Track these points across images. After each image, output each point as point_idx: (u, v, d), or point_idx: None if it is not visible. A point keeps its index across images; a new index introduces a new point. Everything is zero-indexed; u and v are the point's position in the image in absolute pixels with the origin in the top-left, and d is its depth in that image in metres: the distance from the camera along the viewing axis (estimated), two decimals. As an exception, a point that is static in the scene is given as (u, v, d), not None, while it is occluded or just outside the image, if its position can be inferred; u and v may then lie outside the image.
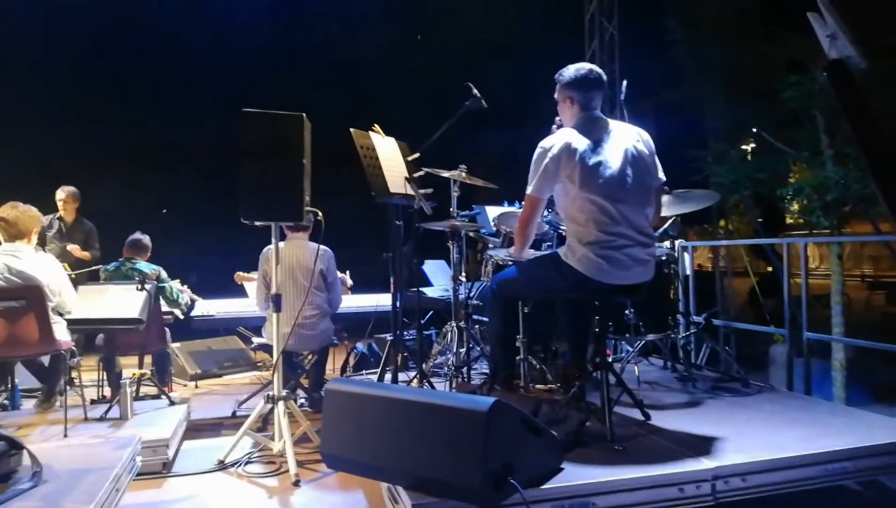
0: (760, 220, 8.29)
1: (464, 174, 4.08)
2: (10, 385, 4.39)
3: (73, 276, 4.74)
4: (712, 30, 7.22)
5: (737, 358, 4.61)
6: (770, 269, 8.84)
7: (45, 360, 4.30)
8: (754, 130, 7.83)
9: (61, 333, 3.96)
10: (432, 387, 3.91)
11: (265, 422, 3.92)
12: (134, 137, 9.58)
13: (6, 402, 4.35)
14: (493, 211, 5.24)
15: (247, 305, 5.49)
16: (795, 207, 7.49)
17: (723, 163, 7.11)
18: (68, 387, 4.11)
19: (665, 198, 3.86)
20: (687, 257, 5.12)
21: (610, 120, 3.07)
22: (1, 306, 3.65)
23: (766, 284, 8.29)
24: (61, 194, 5.79)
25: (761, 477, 2.62)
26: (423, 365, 4.15)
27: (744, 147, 8.39)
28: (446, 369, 4.37)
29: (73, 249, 5.76)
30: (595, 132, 2.96)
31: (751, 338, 6.49)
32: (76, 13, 8.42)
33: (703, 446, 2.83)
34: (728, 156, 7.16)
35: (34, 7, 8.06)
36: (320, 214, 3.60)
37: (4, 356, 3.89)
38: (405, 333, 4.75)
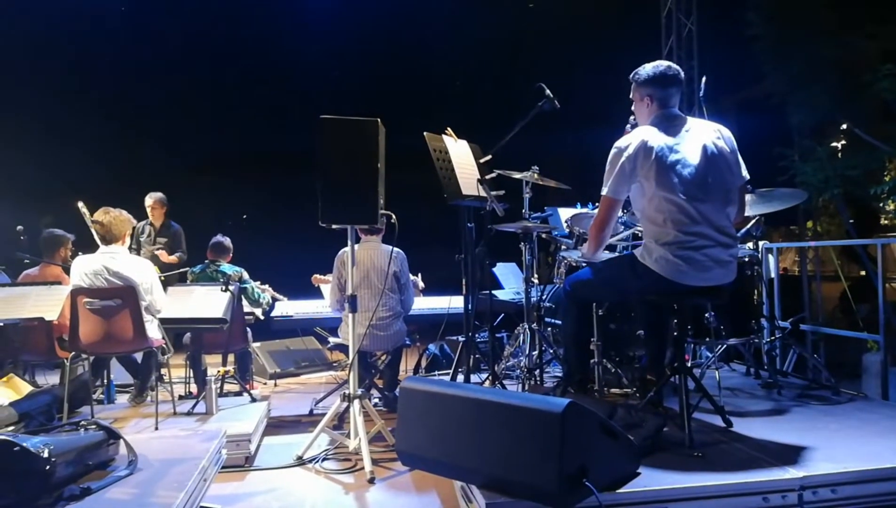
0: (852, 221, 7.85)
1: (536, 175, 4.06)
2: (105, 381, 4.67)
3: (163, 278, 5.00)
4: (797, 22, 6.90)
5: (826, 367, 4.37)
6: (863, 273, 8.36)
7: (138, 357, 4.55)
8: (843, 127, 7.43)
9: (153, 331, 4.18)
10: (505, 389, 3.91)
11: (341, 420, 4.01)
12: (217, 146, 10.01)
13: (102, 396, 4.63)
14: (565, 213, 5.18)
15: (323, 306, 5.65)
16: (892, 206, 7.06)
17: (810, 161, 6.78)
18: (158, 383, 4.35)
19: (748, 197, 3.71)
20: (772, 259, 4.91)
21: (688, 117, 2.99)
22: (99, 304, 3.90)
23: (858, 288, 7.84)
24: (149, 200, 6.13)
25: (853, 489, 2.47)
26: (495, 367, 4.15)
27: (833, 144, 7.98)
28: (518, 371, 4.35)
29: (161, 253, 6.08)
30: (672, 130, 2.89)
31: (842, 346, 6.14)
32: (157, 29, 8.88)
33: (789, 454, 2.71)
34: (816, 153, 6.82)
35: (113, 23, 8.54)
36: (394, 216, 3.66)
37: (102, 352, 4.15)
38: (477, 335, 4.76)
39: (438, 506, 2.95)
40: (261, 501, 3.07)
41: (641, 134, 2.86)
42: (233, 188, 10.25)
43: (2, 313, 4.02)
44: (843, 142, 8.16)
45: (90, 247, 4.33)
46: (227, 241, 5.50)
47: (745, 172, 3.03)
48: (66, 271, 4.55)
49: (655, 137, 2.84)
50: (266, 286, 5.54)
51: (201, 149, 9.93)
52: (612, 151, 2.90)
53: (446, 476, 2.76)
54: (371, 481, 3.23)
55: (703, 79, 3.91)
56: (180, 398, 4.42)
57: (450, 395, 2.49)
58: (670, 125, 2.91)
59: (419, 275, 5.42)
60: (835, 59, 6.63)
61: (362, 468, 3.33)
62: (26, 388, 3.82)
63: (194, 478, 2.40)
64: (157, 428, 3.64)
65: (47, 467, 2.17)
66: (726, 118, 3.08)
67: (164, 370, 4.57)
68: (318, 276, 5.36)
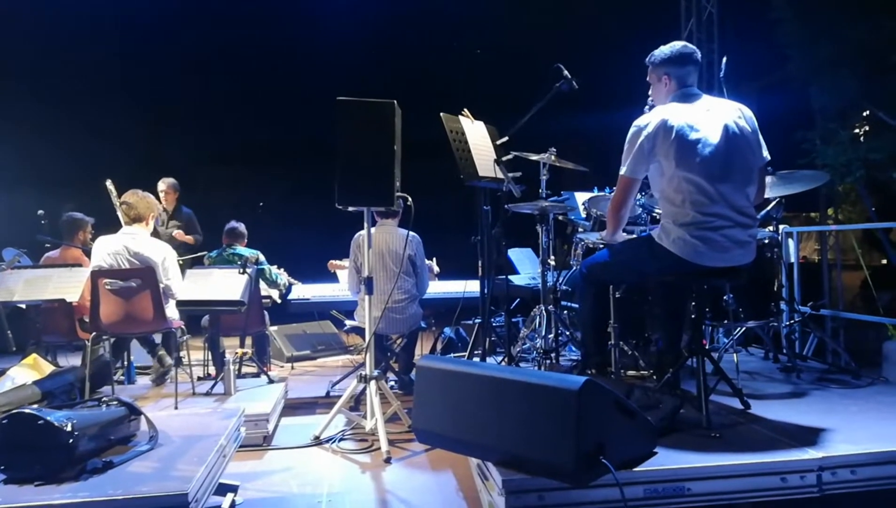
0: (874, 208, 7.73)
1: (553, 157, 4.03)
2: (125, 362, 4.74)
3: (181, 262, 5.05)
4: (822, 3, 6.76)
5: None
6: (884, 261, 8.25)
7: (158, 339, 4.60)
8: (866, 113, 7.29)
9: (172, 312, 4.23)
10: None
11: (357, 402, 4.05)
12: (234, 136, 10.08)
13: (122, 378, 4.69)
14: (581, 197, 5.15)
15: (339, 290, 5.69)
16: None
17: (832, 144, 6.66)
18: (177, 365, 4.40)
19: (768, 179, 3.67)
20: (791, 243, 4.85)
21: (708, 96, 2.95)
22: (119, 285, 3.95)
23: (879, 276, 7.74)
24: (162, 185, 6.21)
25: (873, 470, 2.44)
26: (511, 349, 4.15)
27: (856, 131, 7.84)
28: (534, 353, 4.34)
29: (178, 233, 6.15)
30: (692, 108, 2.85)
31: (862, 334, 6.07)
32: (180, 22, 8.93)
33: (808, 436, 2.68)
34: (838, 136, 6.69)
35: (135, 15, 8.62)
36: (410, 198, 3.66)
37: (122, 332, 4.20)
38: (492, 320, 4.76)
39: (454, 485, 2.97)
40: (279, 479, 3.11)
41: (661, 112, 2.83)
42: (249, 176, 10.32)
43: (24, 295, 4.09)
44: (867, 128, 8.01)
45: (110, 229, 4.39)
46: (242, 226, 5.56)
47: (766, 153, 2.99)
48: (87, 253, 4.61)
49: (676, 116, 2.80)
50: (281, 271, 5.59)
51: (219, 138, 10.00)
52: (632, 129, 2.87)
53: (463, 453, 2.77)
54: (387, 460, 3.25)
55: (724, 59, 3.86)
56: (199, 379, 4.47)
57: (467, 373, 2.50)
58: (690, 104, 2.87)
59: (434, 260, 5.42)
60: (860, 40, 6.48)
61: (379, 448, 3.36)
62: (49, 368, 3.87)
63: (214, 454, 2.43)
64: (176, 408, 3.69)
65: (70, 440, 2.21)
66: (747, 103, 3.03)
67: (182, 352, 4.62)
68: (334, 261, 5.38)
